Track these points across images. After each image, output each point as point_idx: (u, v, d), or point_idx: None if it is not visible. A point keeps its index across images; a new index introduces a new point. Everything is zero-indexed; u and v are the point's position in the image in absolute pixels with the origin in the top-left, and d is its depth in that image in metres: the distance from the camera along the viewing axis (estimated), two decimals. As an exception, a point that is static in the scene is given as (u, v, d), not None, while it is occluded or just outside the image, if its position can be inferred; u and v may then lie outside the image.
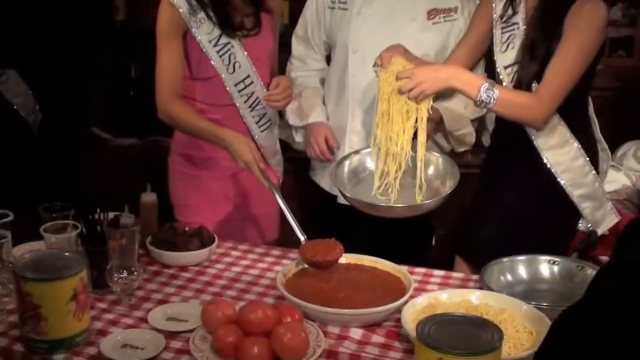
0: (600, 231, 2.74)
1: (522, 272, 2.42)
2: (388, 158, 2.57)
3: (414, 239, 3.09)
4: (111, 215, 2.33)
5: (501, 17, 2.68)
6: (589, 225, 2.73)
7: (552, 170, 2.67)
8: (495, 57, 2.69)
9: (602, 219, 2.76)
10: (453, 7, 2.92)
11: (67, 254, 2.04)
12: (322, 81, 3.13)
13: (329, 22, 3.03)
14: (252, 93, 2.85)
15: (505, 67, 2.66)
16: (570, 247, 2.73)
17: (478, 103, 2.48)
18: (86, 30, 4.50)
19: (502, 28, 2.69)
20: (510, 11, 2.67)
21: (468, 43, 2.79)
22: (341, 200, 2.79)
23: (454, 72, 2.53)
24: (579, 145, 2.67)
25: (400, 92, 2.48)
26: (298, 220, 2.41)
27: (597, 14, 2.53)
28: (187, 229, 2.60)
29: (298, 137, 3.12)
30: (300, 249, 2.34)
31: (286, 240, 2.93)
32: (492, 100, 2.46)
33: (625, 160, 3.86)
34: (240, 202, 2.96)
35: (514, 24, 2.67)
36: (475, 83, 2.48)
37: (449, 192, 2.52)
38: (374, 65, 2.59)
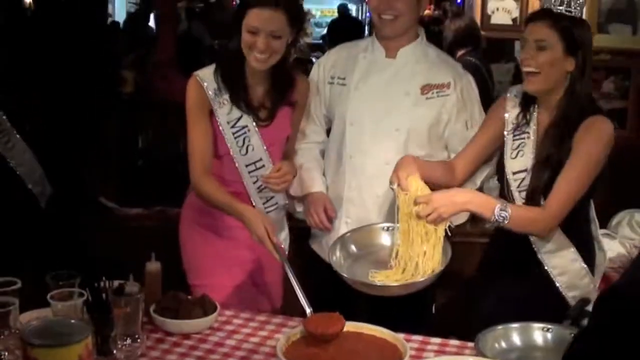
0: None
1: (516, 339, 2.46)
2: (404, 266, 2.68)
3: (414, 307, 3.13)
4: (116, 283, 2.39)
5: (513, 124, 2.82)
6: (569, 300, 2.82)
7: (549, 272, 2.80)
8: (504, 162, 2.84)
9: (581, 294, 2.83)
10: (446, 83, 3.03)
11: (73, 321, 2.07)
12: (323, 153, 3.22)
13: (328, 97, 3.14)
14: (262, 176, 2.95)
15: (514, 173, 2.80)
16: None
17: (492, 223, 2.62)
18: (93, 102, 4.62)
19: (514, 135, 2.83)
20: (523, 120, 2.81)
21: (477, 144, 2.95)
22: None
23: (469, 197, 2.69)
24: (576, 250, 2.79)
25: (419, 216, 2.59)
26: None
27: (604, 129, 2.70)
28: (189, 297, 2.66)
29: (299, 207, 3.21)
30: (304, 320, 2.40)
31: (288, 308, 2.99)
32: (506, 219, 2.59)
33: (620, 228, 3.92)
34: (252, 269, 3.06)
35: (525, 132, 2.81)
36: (490, 205, 2.62)
37: (441, 269, 2.62)
38: (391, 184, 2.71)
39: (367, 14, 17.99)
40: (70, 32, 5.24)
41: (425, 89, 3.01)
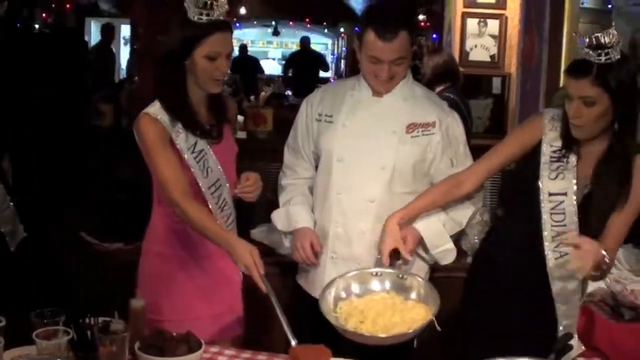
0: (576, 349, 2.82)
1: None
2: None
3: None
4: (101, 320, 2.38)
5: (552, 147, 2.83)
6: (560, 328, 2.84)
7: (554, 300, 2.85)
8: (540, 181, 2.83)
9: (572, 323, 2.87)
10: (431, 122, 3.05)
11: (58, 359, 2.07)
12: (311, 189, 3.24)
13: (316, 133, 3.16)
14: (221, 195, 2.98)
15: (551, 194, 2.81)
16: None
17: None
18: (68, 136, 4.60)
19: (551, 157, 2.84)
20: (563, 145, 2.82)
21: (494, 161, 2.98)
22: None
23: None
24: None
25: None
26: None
27: None
28: (174, 334, 2.63)
29: (287, 242, 3.21)
30: (290, 351, 2.40)
31: (273, 342, 2.99)
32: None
33: (600, 264, 3.94)
34: (209, 297, 3.04)
35: (564, 156, 2.81)
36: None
37: (432, 318, 2.59)
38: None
39: (343, 49, 18.19)
40: (44, 66, 5.25)
41: (411, 127, 3.03)
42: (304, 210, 3.15)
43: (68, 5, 11.82)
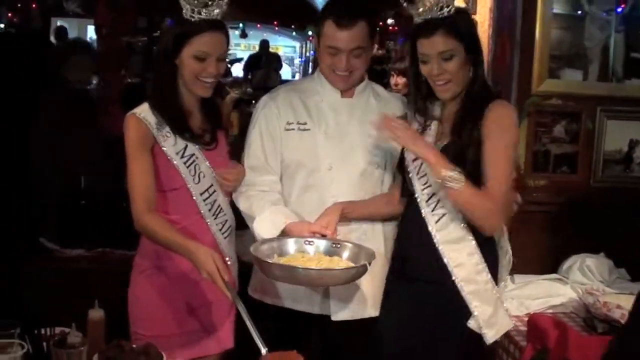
0: (493, 336, 2.73)
1: None
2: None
3: (367, 352, 3.06)
4: (58, 330, 2.29)
5: (418, 128, 2.85)
6: (480, 326, 2.71)
7: (447, 266, 2.71)
8: (405, 155, 2.86)
9: (494, 322, 2.74)
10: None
11: (11, 374, 1.99)
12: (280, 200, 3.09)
13: (288, 143, 3.01)
14: (215, 201, 2.90)
15: (413, 160, 2.81)
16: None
17: (441, 182, 2.59)
18: (27, 138, 4.49)
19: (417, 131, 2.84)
20: (423, 118, 2.85)
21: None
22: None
23: (431, 147, 2.69)
24: (476, 243, 2.73)
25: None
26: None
27: (508, 113, 2.74)
28: (134, 346, 2.54)
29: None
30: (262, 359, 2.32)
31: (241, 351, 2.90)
32: (460, 182, 2.55)
33: (570, 273, 3.91)
34: (202, 313, 2.95)
35: (427, 126, 2.84)
36: (447, 163, 2.59)
37: (365, 263, 2.60)
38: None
39: (311, 52, 18.20)
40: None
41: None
42: (285, 212, 2.97)
43: (34, 5, 11.68)
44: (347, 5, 2.92)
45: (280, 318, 2.99)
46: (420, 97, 2.85)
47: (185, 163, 2.83)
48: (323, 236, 2.82)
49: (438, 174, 2.58)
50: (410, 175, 2.81)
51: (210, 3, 2.74)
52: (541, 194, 4.12)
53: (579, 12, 4.18)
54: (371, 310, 2.99)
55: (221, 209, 2.94)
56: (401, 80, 5.31)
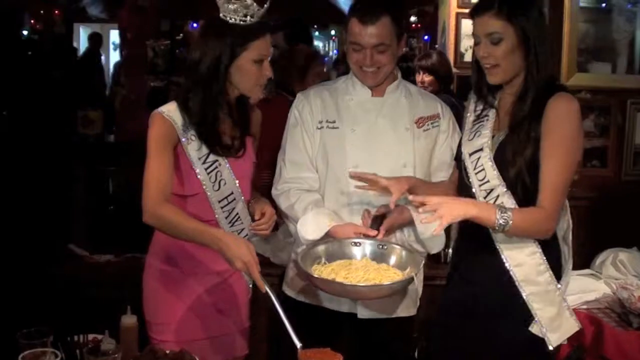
0: (557, 339, 2.64)
1: None
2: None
3: (396, 351, 3.05)
4: (91, 337, 2.28)
5: (475, 115, 2.77)
6: (544, 330, 2.62)
7: (506, 265, 2.62)
8: (462, 149, 2.76)
9: (558, 325, 2.66)
10: (436, 114, 3.02)
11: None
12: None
13: (319, 142, 3.02)
14: (233, 209, 2.84)
15: (470, 155, 2.70)
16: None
17: (496, 229, 2.49)
18: (51, 145, 4.50)
19: (473, 124, 2.76)
20: (483, 106, 2.75)
21: None
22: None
23: (469, 203, 2.54)
24: (538, 244, 2.62)
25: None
26: (275, 334, 2.38)
27: (572, 107, 2.56)
28: (168, 352, 2.53)
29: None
30: (299, 355, 2.29)
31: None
32: (509, 220, 2.44)
33: (604, 268, 3.86)
34: (216, 319, 2.90)
35: (485, 116, 2.73)
36: (491, 209, 2.48)
37: (412, 275, 2.54)
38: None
39: (335, 51, 18.16)
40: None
41: (420, 121, 3.00)
42: (327, 213, 2.95)
43: (57, 12, 11.72)
44: (370, 2, 2.91)
45: (307, 314, 2.97)
46: (483, 83, 2.73)
47: (206, 170, 2.76)
48: (368, 237, 2.79)
49: (492, 226, 2.48)
50: (468, 171, 2.70)
51: (256, 6, 2.69)
52: (572, 189, 4.07)
53: (604, 4, 4.14)
54: (402, 310, 2.97)
55: (239, 217, 2.86)
56: (427, 77, 5.26)
